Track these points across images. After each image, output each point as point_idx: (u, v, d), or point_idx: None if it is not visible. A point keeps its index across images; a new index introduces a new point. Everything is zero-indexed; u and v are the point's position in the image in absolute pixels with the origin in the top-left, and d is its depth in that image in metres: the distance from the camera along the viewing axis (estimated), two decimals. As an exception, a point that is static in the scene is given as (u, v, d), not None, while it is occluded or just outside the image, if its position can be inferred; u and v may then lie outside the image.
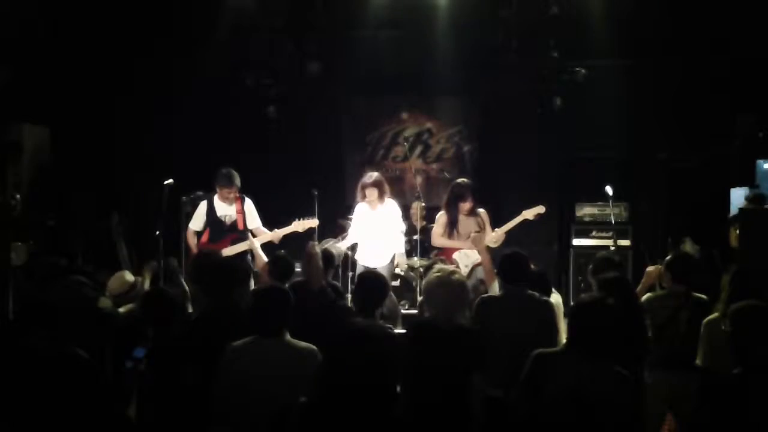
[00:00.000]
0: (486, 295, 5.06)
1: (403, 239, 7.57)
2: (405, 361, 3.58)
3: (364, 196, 7.25)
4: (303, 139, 9.45)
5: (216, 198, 7.12)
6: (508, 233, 6.98)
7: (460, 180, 7.37)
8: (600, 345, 3.40)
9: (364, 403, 2.69)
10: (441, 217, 7.18)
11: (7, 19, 7.48)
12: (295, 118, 9.38)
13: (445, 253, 7.02)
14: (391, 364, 2.84)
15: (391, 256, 7.42)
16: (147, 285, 5.99)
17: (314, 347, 3.69)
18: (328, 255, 5.80)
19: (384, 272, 7.13)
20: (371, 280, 4.64)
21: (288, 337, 3.73)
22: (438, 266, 4.22)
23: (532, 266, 4.91)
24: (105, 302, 4.90)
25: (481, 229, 6.91)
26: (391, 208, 7.39)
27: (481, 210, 7.12)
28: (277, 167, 9.24)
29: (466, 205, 7.03)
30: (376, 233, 7.33)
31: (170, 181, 7.17)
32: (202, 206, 7.17)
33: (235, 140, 9.03)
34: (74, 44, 8.30)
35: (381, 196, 7.25)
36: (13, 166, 7.45)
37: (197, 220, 7.16)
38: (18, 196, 7.27)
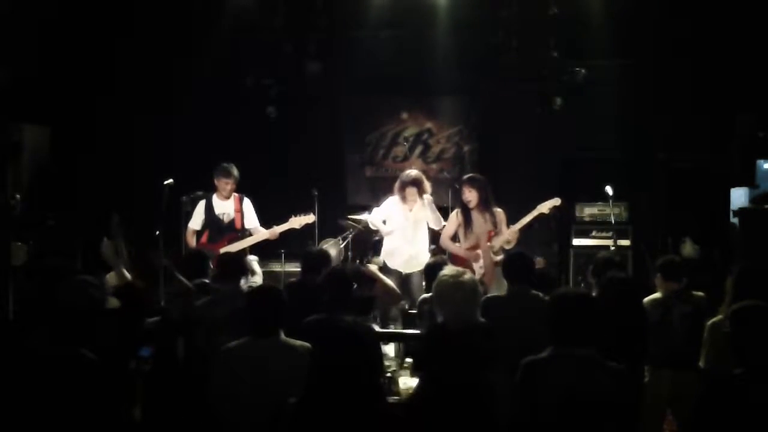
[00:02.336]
0: (491, 295, 5.10)
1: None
2: (422, 363, 3.57)
3: (403, 195, 6.96)
4: (303, 139, 9.45)
5: (215, 197, 7.20)
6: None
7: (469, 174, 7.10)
8: (581, 336, 3.40)
9: (350, 400, 2.70)
10: (454, 215, 6.94)
11: (7, 19, 7.48)
12: (295, 118, 9.38)
13: (455, 261, 6.90)
14: (375, 361, 2.86)
15: (424, 260, 7.03)
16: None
17: (309, 345, 3.69)
18: (325, 255, 5.83)
19: (417, 279, 6.92)
20: (343, 278, 4.67)
21: (283, 336, 3.74)
22: (449, 267, 4.20)
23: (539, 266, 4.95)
24: (113, 302, 4.91)
25: (498, 229, 6.77)
26: (427, 206, 7.02)
27: (497, 210, 6.86)
28: (277, 167, 9.24)
29: (466, 195, 6.77)
30: (411, 235, 7.05)
31: (170, 181, 7.19)
32: (201, 205, 7.23)
33: (235, 140, 9.02)
34: (74, 44, 8.30)
35: (421, 194, 6.97)
36: (13, 166, 7.45)
37: (196, 219, 7.22)
38: (18, 196, 7.27)
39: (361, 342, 2.84)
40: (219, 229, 7.13)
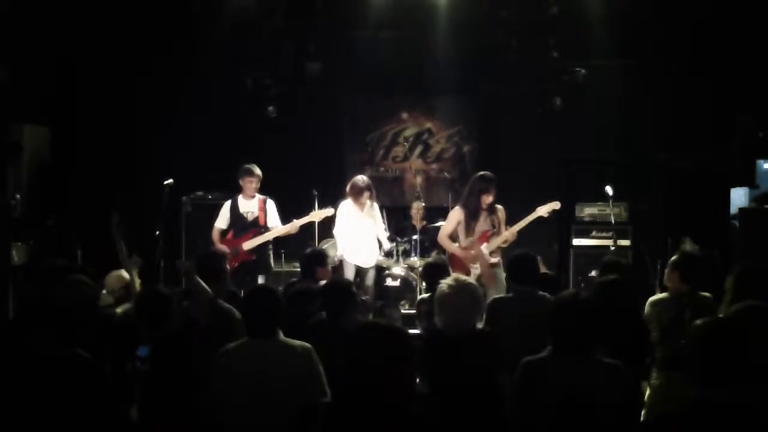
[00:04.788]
0: (497, 296, 5.11)
1: (386, 239, 7.79)
2: (424, 372, 3.54)
3: (359, 198, 7.36)
4: (303, 139, 9.45)
5: (240, 197, 7.38)
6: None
7: (484, 173, 6.95)
8: (581, 340, 3.41)
9: (385, 402, 2.67)
10: (455, 213, 6.89)
11: (7, 18, 7.47)
12: (295, 118, 9.38)
13: (453, 260, 6.79)
14: (410, 361, 2.82)
15: (377, 257, 7.67)
16: (137, 281, 5.97)
17: (308, 345, 3.70)
18: (322, 256, 5.84)
19: (372, 273, 7.59)
20: (339, 288, 4.68)
21: (281, 336, 3.73)
22: (454, 275, 4.19)
23: (543, 270, 4.93)
24: (106, 299, 4.90)
25: (496, 228, 6.76)
26: (377, 209, 7.62)
27: (499, 207, 6.84)
28: (277, 167, 9.23)
29: (488, 198, 6.73)
30: (368, 233, 7.49)
31: (170, 181, 7.22)
32: (226, 205, 7.43)
33: (235, 140, 9.03)
34: (74, 44, 8.29)
35: (372, 197, 7.49)
36: (13, 166, 7.45)
37: (222, 218, 7.39)
38: (18, 196, 7.27)
39: (402, 342, 2.81)
40: (243, 226, 7.32)
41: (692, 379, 2.95)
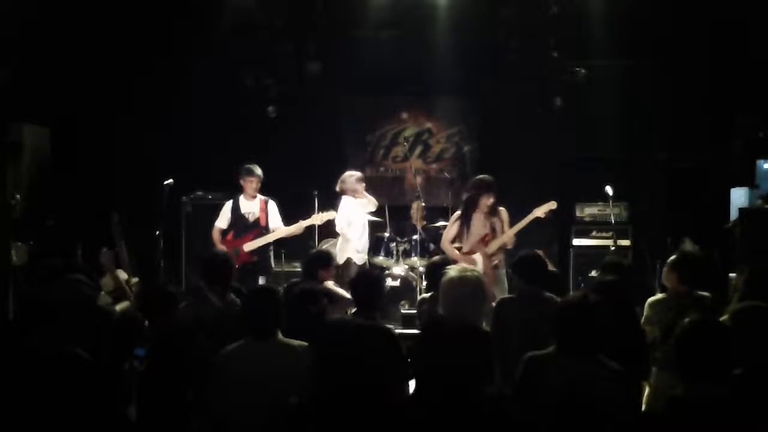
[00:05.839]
0: (504, 296, 5.10)
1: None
2: (416, 360, 3.55)
3: (356, 191, 7.47)
4: (303, 139, 9.44)
5: (241, 198, 7.39)
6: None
7: (483, 176, 6.90)
8: (587, 344, 3.41)
9: (358, 401, 2.68)
10: (454, 220, 6.90)
11: (7, 18, 7.47)
12: (295, 118, 9.38)
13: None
14: (386, 362, 2.82)
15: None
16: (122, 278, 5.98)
17: (307, 345, 3.70)
18: (328, 257, 5.83)
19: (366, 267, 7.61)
20: (372, 278, 4.66)
21: (281, 336, 3.75)
22: (460, 265, 4.18)
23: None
24: (104, 298, 4.90)
25: (497, 231, 6.71)
26: (365, 202, 7.63)
27: (501, 209, 6.78)
28: (277, 167, 9.22)
29: (488, 200, 6.65)
30: (366, 228, 7.61)
31: (170, 181, 7.22)
32: (228, 205, 7.43)
33: (235, 140, 9.03)
34: (74, 44, 8.29)
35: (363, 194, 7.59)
36: (13, 166, 7.44)
37: (222, 218, 7.40)
38: (18, 196, 7.27)
39: (370, 341, 2.81)
40: (244, 226, 7.33)
41: (678, 377, 2.97)
